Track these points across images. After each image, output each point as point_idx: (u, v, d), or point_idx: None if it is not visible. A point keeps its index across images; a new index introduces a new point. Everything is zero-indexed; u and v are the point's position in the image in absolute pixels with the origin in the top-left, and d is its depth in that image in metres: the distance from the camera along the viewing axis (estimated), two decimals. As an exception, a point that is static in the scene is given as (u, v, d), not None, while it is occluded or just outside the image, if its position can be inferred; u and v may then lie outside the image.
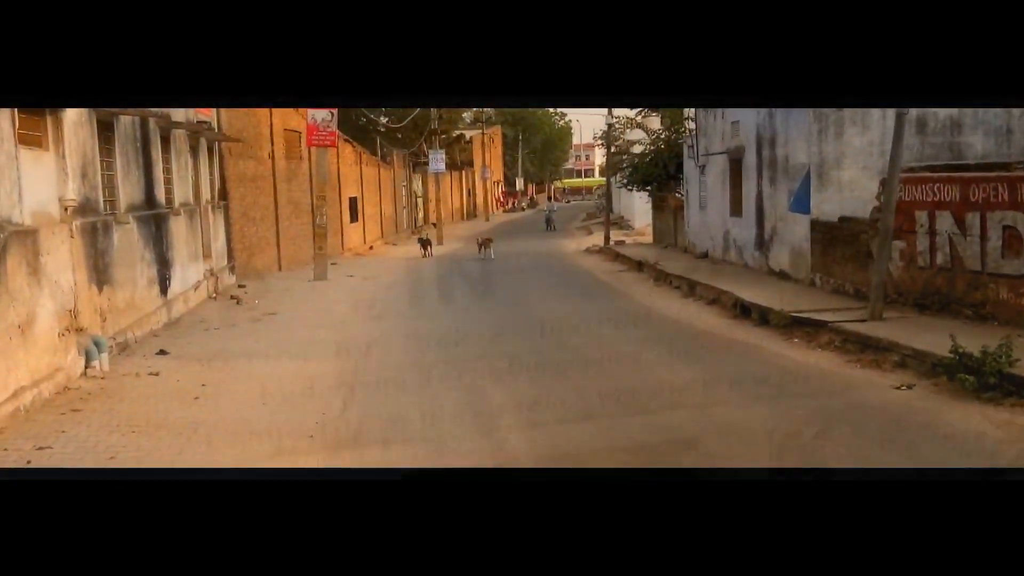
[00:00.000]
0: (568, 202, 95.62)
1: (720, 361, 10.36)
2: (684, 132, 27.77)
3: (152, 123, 13.75)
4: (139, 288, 12.62)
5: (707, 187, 21.55)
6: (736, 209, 19.15)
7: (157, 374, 9.63)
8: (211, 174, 18.68)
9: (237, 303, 16.16)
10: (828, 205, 14.57)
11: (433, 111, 35.79)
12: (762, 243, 17.36)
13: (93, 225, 10.90)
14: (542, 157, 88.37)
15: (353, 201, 31.78)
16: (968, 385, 8.00)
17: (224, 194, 19.82)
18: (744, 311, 13.22)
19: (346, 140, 31.02)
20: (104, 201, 11.62)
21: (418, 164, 45.11)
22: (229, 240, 19.71)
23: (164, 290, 13.74)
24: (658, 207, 28.26)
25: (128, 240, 12.30)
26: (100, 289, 10.92)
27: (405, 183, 42.57)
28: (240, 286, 18.99)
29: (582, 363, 10.33)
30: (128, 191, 12.54)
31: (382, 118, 48.12)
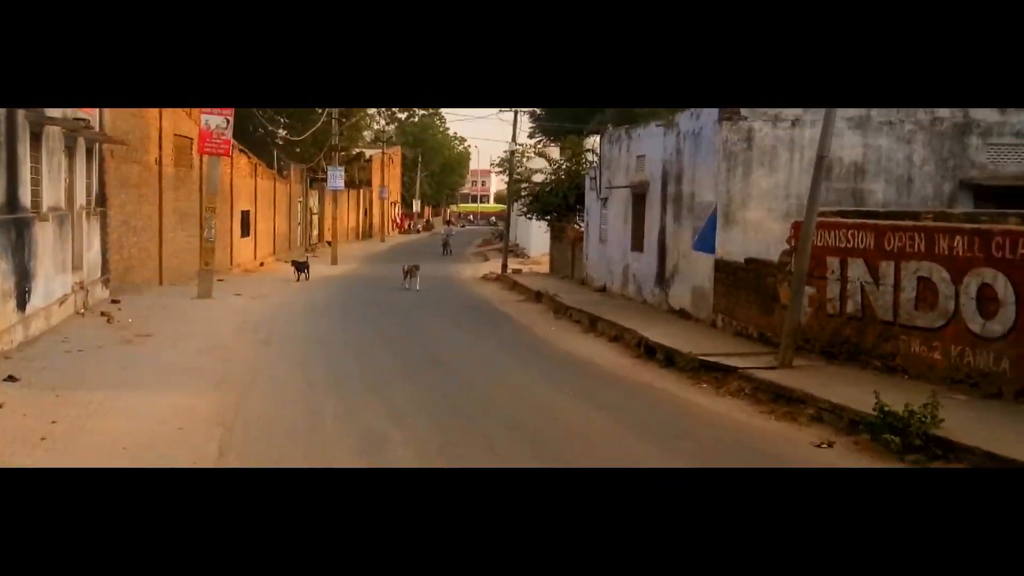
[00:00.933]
0: (463, 226, 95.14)
1: (629, 406, 9.65)
2: (586, 163, 27.51)
3: (21, 116, 12.22)
4: (-9, 302, 11.08)
5: (608, 220, 21.09)
6: (637, 244, 18.70)
7: (1, 405, 8.21)
8: (88, 177, 17.01)
9: (108, 321, 14.60)
10: (733, 245, 14.18)
11: (334, 126, 34.48)
12: (663, 280, 16.92)
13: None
14: (440, 180, 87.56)
15: (245, 215, 30.13)
16: (893, 446, 7.50)
17: (102, 200, 18.13)
18: (648, 351, 12.62)
19: (241, 150, 29.41)
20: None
21: (315, 180, 43.55)
22: (104, 250, 18.02)
23: (21, 304, 12.16)
24: (556, 237, 27.75)
25: (-19, 248, 10.77)
26: (-59, 303, 9.39)
27: (301, 199, 40.95)
28: (114, 301, 17.32)
29: (486, 404, 9.46)
30: (-15, 193, 11.01)
31: (281, 130, 46.40)
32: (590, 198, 23.11)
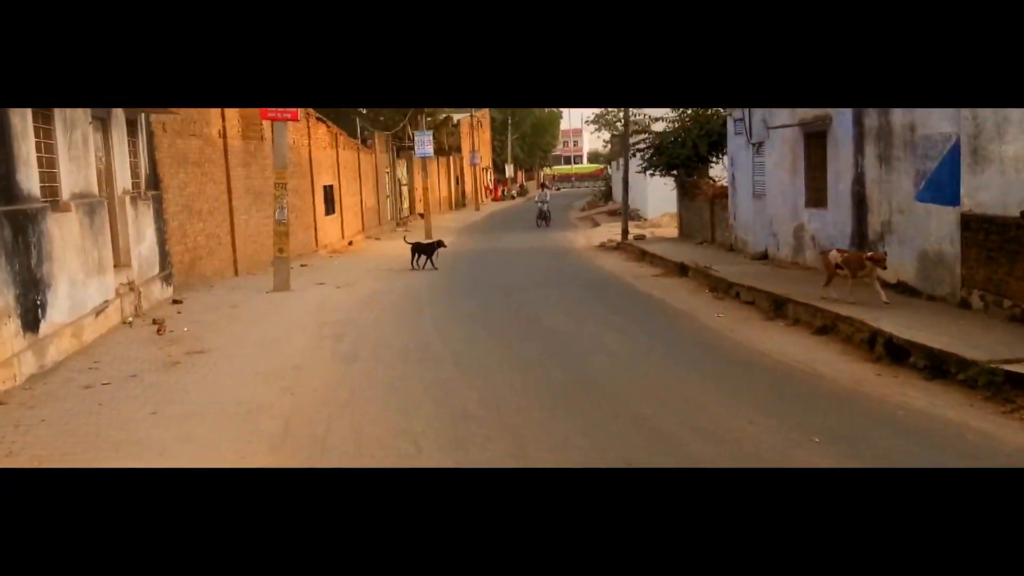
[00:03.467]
0: (559, 189, 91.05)
1: (922, 459, 6.00)
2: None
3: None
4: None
5: (767, 170, 17.16)
6: (816, 198, 14.78)
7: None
8: (134, 156, 14.14)
9: (159, 331, 11.66)
10: (988, 192, 10.22)
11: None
12: (864, 243, 12.99)
13: None
14: (532, 142, 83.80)
15: (328, 190, 27.23)
16: None
17: (155, 181, 15.28)
18: (892, 351, 8.86)
19: (319, 119, 26.44)
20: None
21: (402, 148, 40.54)
22: (162, 241, 15.19)
23: (31, 325, 9.24)
24: (688, 195, 23.84)
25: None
26: None
27: (388, 170, 37.96)
28: (175, 302, 14.50)
29: (677, 454, 6.00)
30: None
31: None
32: (736, 144, 19.15)
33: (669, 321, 12.02)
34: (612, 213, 39.89)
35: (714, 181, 23.60)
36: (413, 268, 19.76)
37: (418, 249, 20.21)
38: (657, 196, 31.52)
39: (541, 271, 18.95)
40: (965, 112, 10.19)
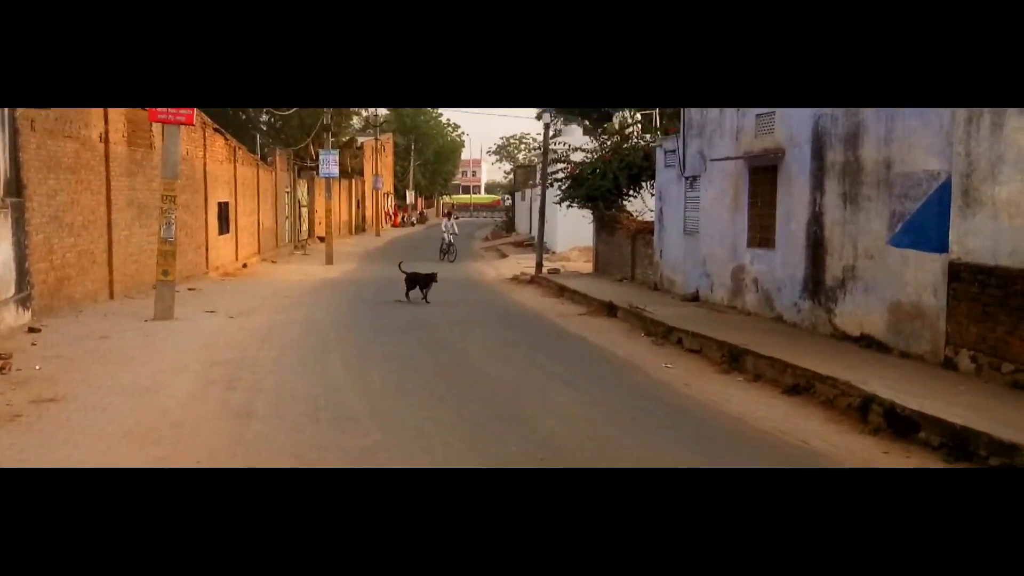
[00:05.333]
0: (458, 219, 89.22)
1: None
2: (652, 132, 22.30)
3: None
4: None
5: (701, 205, 15.86)
6: (762, 237, 13.49)
7: None
8: (-12, 156, 11.66)
9: (1, 369, 9.26)
10: (980, 239, 9.00)
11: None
12: (819, 289, 11.71)
13: None
14: (433, 169, 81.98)
15: (224, 207, 24.69)
16: None
17: (16, 187, 12.76)
18: (893, 422, 7.42)
19: (217, 130, 23.97)
20: None
21: (304, 168, 38.10)
22: (21, 257, 12.66)
23: None
24: (606, 229, 22.47)
25: None
26: None
27: (288, 189, 35.43)
28: (32, 330, 11.99)
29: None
30: None
31: (263, 115, 40.95)
32: (666, 177, 17.84)
33: (616, 372, 10.35)
34: (518, 244, 38.50)
35: (630, 215, 22.34)
36: (407, 300, 17.24)
37: (415, 280, 17.49)
38: (567, 229, 30.21)
39: (457, 305, 17.11)
40: (958, 148, 8.97)
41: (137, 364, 10.00)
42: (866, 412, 7.81)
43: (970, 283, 8.77)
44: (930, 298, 9.39)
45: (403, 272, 17.87)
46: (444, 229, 32.60)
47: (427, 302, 17.05)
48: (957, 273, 8.96)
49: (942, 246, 9.18)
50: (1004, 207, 9.01)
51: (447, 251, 31.13)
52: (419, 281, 17.43)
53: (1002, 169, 8.96)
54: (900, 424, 7.32)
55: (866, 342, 10.51)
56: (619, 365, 10.79)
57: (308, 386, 8.95)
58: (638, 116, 25.80)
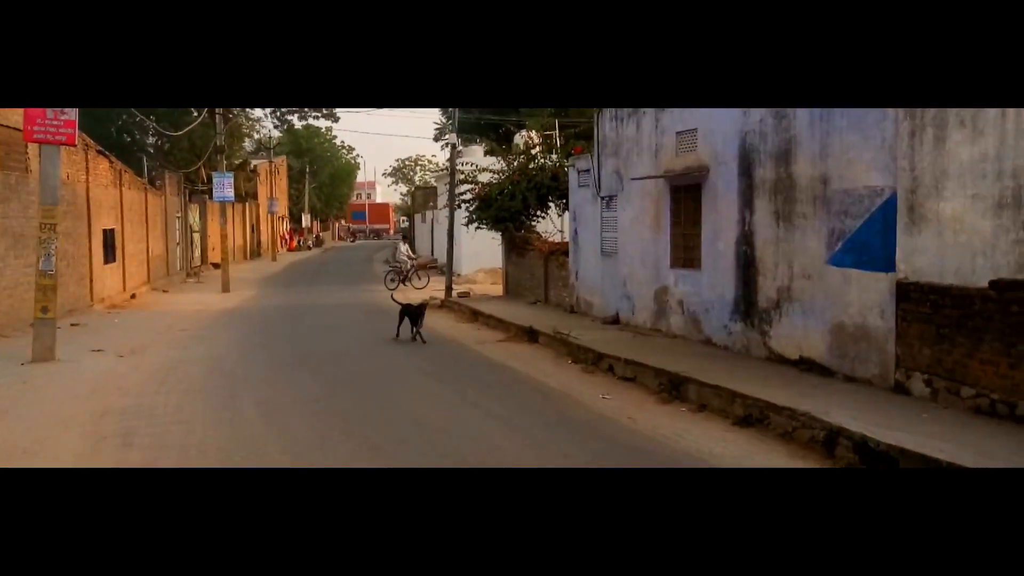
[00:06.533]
0: (354, 241, 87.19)
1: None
2: (559, 153, 21.65)
3: None
4: None
5: (619, 226, 15.26)
6: (687, 258, 12.94)
7: None
8: None
9: None
10: (926, 257, 8.61)
11: (218, 123, 27.33)
12: (751, 311, 11.18)
13: None
14: (329, 192, 79.85)
15: (109, 235, 22.73)
16: None
17: None
18: (867, 457, 6.81)
19: (100, 152, 22.07)
20: None
21: (195, 192, 36.01)
22: None
23: None
24: (517, 251, 21.69)
25: None
26: None
27: (179, 214, 33.29)
28: None
29: None
30: None
31: (150, 137, 38.64)
32: (580, 197, 17.20)
33: (554, 407, 9.47)
34: (422, 267, 37.30)
35: (540, 236, 21.65)
36: (397, 337, 14.53)
37: (407, 315, 14.59)
38: (472, 250, 29.35)
39: (370, 333, 15.94)
40: (903, 162, 8.55)
41: (12, 419, 8.53)
42: (832, 446, 7.20)
43: (921, 303, 8.32)
44: (877, 319, 8.93)
45: (397, 303, 15.35)
46: (403, 254, 28.77)
47: (423, 341, 14.16)
48: (906, 293, 8.51)
49: (888, 265, 8.73)
50: (949, 223, 8.68)
51: (407, 276, 27.70)
52: (411, 315, 14.53)
53: (946, 184, 8.63)
54: (874, 459, 6.72)
55: (806, 366, 10.00)
56: (556, 399, 9.94)
57: (219, 439, 7.72)
58: (537, 138, 25.20)
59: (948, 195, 8.61)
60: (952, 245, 8.64)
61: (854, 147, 9.21)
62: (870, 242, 9.00)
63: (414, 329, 14.43)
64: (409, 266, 28.09)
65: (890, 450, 6.58)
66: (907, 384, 8.50)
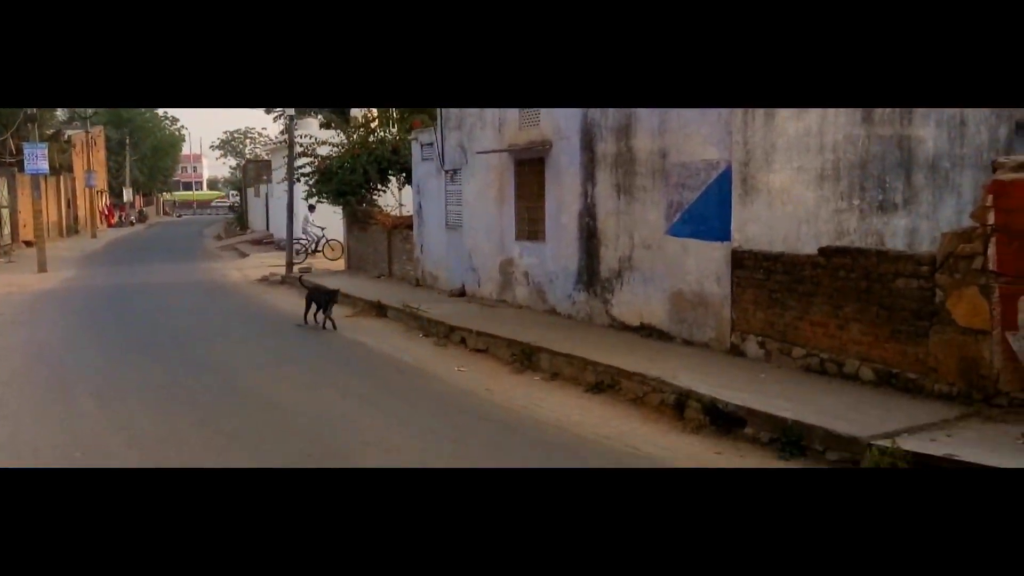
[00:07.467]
0: (180, 216, 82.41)
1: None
2: (399, 127, 21.18)
3: None
4: None
5: (464, 199, 15.17)
6: (531, 230, 13.03)
7: None
8: None
9: None
10: (758, 226, 9.06)
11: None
12: (593, 281, 11.43)
13: None
14: (152, 165, 74.90)
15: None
16: None
17: None
18: (717, 419, 7.10)
19: None
20: None
21: (1, 165, 32.80)
22: None
23: None
24: (359, 225, 21.16)
25: None
26: None
27: (-16, 189, 30.20)
28: None
29: None
30: None
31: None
32: (424, 171, 16.95)
33: (412, 383, 9.31)
34: (257, 242, 35.81)
35: (382, 210, 21.22)
36: (305, 324, 13.15)
37: (314, 299, 13.26)
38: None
39: (209, 313, 15.11)
40: (737, 136, 8.92)
41: None
42: (682, 409, 7.47)
43: (754, 270, 8.76)
44: (713, 286, 9.33)
45: (305, 287, 14.17)
46: (309, 222, 25.77)
47: (334, 327, 12.75)
48: (741, 261, 8.93)
49: (724, 234, 9.13)
50: (777, 194, 9.15)
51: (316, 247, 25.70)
52: (319, 300, 13.21)
53: (775, 157, 9.08)
54: (723, 420, 7.02)
55: (647, 332, 10.34)
56: (412, 374, 9.78)
57: (54, 435, 7.03)
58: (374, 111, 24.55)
59: (777, 168, 9.08)
60: (780, 215, 9.13)
61: (691, 122, 9.53)
62: (707, 213, 9.37)
63: (322, 313, 13.07)
64: (320, 235, 25.98)
65: (738, 411, 6.91)
66: (742, 347, 8.96)
